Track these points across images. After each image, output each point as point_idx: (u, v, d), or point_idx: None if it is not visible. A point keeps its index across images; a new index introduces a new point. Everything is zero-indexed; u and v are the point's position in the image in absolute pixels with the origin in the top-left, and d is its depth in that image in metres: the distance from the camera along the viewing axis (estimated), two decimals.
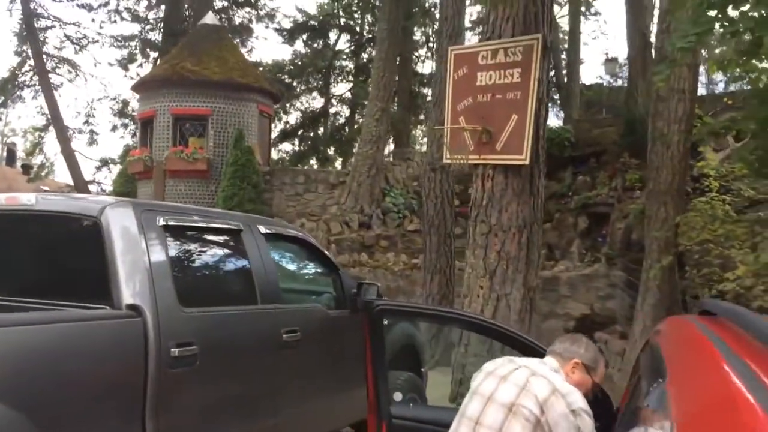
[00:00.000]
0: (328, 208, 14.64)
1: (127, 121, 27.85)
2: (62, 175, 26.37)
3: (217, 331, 3.58)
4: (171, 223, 3.55)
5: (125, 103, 27.49)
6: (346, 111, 27.36)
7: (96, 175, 25.56)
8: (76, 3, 24.91)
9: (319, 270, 4.88)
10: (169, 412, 3.20)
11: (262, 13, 26.10)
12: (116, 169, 26.60)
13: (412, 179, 15.76)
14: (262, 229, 4.23)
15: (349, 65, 26.86)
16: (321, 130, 27.54)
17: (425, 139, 19.48)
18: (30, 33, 23.11)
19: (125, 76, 27.49)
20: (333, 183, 15.05)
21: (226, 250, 4.06)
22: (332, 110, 27.31)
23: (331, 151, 27.06)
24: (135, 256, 3.29)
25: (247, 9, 26.33)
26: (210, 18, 15.80)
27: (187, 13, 25.33)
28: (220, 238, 3.99)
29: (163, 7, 26.75)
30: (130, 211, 3.42)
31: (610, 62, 17.58)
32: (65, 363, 2.86)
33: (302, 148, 26.97)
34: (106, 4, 26.30)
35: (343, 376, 4.57)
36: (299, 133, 27.02)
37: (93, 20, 26.54)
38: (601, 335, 8.58)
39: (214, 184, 14.46)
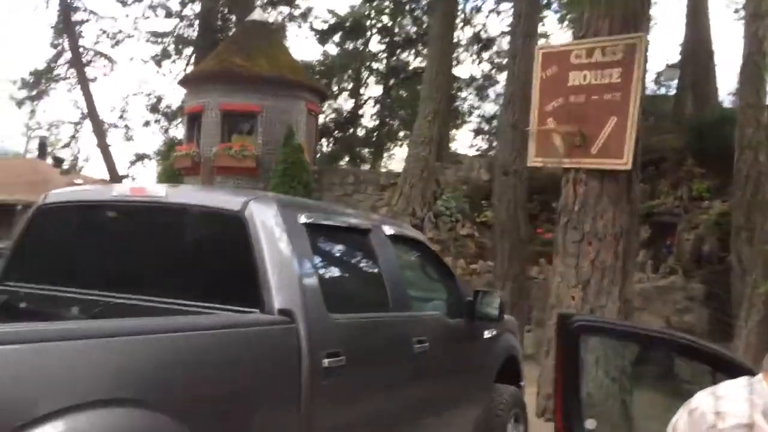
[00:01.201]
0: (378, 210, 14.35)
1: (159, 117, 27.75)
2: (93, 169, 26.27)
3: (360, 340, 3.28)
4: (311, 221, 3.26)
5: (159, 99, 27.41)
6: (371, 111, 27.12)
7: (130, 170, 25.48)
8: None
9: (435, 275, 4.56)
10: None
11: (296, 12, 25.90)
12: (150, 164, 26.58)
13: (462, 182, 15.45)
14: (387, 230, 3.93)
15: (379, 66, 26.55)
16: (351, 130, 27.31)
17: (460, 141, 19.07)
18: (67, 26, 23.10)
19: (158, 72, 27.41)
20: (383, 184, 14.76)
21: (360, 252, 3.76)
22: (363, 111, 27.11)
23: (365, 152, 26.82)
24: (283, 256, 2.99)
25: (283, 7, 26.14)
26: (258, 14, 15.60)
27: (224, 10, 25.21)
28: (354, 238, 3.69)
29: (197, 3, 26.67)
30: (274, 206, 3.13)
31: (671, 69, 17.14)
32: (223, 372, 2.58)
33: (336, 147, 26.73)
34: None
35: (462, 388, 4.29)
36: (334, 133, 26.78)
37: (127, 15, 26.30)
38: None
39: (262, 182, 14.20)
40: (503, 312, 4.41)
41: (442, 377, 4.03)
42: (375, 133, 26.78)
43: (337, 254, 3.60)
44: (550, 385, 6.35)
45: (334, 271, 3.49)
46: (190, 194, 3.68)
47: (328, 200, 14.71)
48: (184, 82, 15.75)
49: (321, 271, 3.19)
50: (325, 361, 2.92)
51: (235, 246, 3.04)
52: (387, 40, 24.76)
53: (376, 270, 3.68)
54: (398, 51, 24.87)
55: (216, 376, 2.54)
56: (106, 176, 25.18)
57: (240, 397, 2.64)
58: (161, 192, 3.41)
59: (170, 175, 15.30)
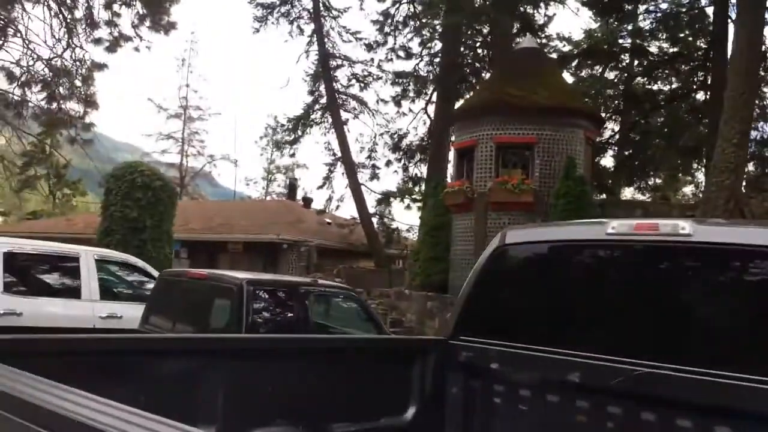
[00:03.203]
0: None
1: (400, 155, 28.13)
2: (343, 209, 27.19)
3: None
4: None
5: (401, 137, 27.87)
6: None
7: (377, 209, 26.01)
8: (362, 42, 25.84)
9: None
10: None
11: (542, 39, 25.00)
12: (396, 202, 26.93)
13: None
14: None
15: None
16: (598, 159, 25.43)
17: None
18: (325, 72, 24.34)
19: (398, 112, 27.90)
20: (676, 217, 13.07)
21: None
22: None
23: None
24: None
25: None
26: (528, 41, 14.86)
27: (471, 43, 25.04)
28: None
29: (437, 42, 26.88)
30: None
31: None
32: None
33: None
34: (385, 43, 27.00)
35: None
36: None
37: (372, 60, 27.28)
38: None
39: (539, 218, 13.25)
40: None
41: None
42: (626, 163, 24.76)
43: None
44: None
45: None
46: (724, 231, 2.82)
47: None
48: (455, 117, 15.42)
49: None
50: None
51: None
52: (641, 61, 22.80)
53: None
54: (655, 72, 22.78)
55: None
56: (355, 215, 25.96)
57: None
58: (687, 229, 2.72)
59: (439, 213, 14.97)
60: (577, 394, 2.97)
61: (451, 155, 16.52)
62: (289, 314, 5.69)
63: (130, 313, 8.25)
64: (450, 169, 24.72)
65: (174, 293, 6.35)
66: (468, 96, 24.27)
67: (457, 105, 26.87)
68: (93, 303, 8.06)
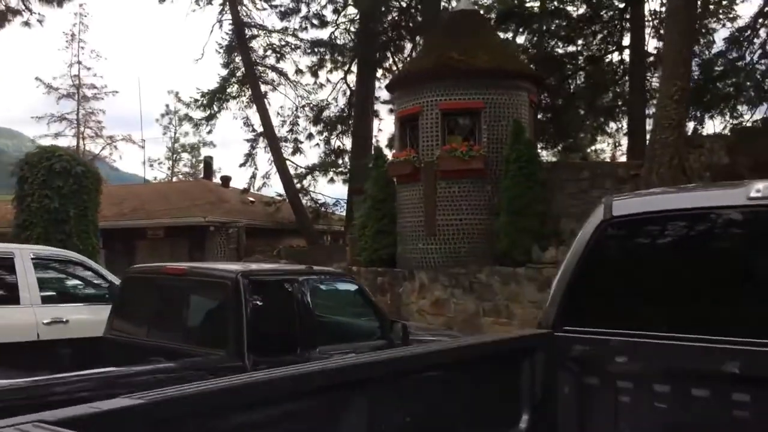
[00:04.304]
0: None
1: (321, 128, 27.29)
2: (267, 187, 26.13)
3: None
4: None
5: (321, 109, 27.02)
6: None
7: (302, 184, 25.11)
8: (277, 11, 24.69)
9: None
10: None
11: None
12: (320, 177, 26.10)
13: (705, 169, 13.56)
14: None
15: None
16: None
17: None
18: (240, 42, 23.06)
19: (315, 83, 26.99)
20: (622, 177, 13.14)
21: None
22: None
23: None
24: None
25: None
26: (465, 2, 14.39)
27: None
28: None
29: (350, 9, 26.04)
30: None
31: None
32: None
33: None
34: (298, 10, 25.95)
35: None
36: None
37: (286, 29, 26.06)
38: None
39: (489, 184, 13.00)
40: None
41: None
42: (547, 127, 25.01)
43: None
44: None
45: None
46: None
47: (560, 200, 13.29)
48: (394, 85, 14.83)
49: None
50: None
51: None
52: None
53: None
54: (572, 34, 22.92)
55: None
56: (277, 193, 25.04)
57: None
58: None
59: (382, 185, 14.43)
60: (733, 386, 2.56)
61: (393, 124, 15.98)
62: (291, 310, 5.02)
63: (78, 317, 7.35)
64: (376, 140, 24.15)
65: (146, 294, 5.53)
66: (402, 63, 23.71)
67: (380, 74, 26.36)
68: (34, 308, 7.10)
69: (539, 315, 3.10)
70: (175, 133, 47.37)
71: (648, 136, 14.55)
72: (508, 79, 13.34)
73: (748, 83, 21.48)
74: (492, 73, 13.11)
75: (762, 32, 21.80)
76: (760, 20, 21.70)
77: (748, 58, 22.03)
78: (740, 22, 21.40)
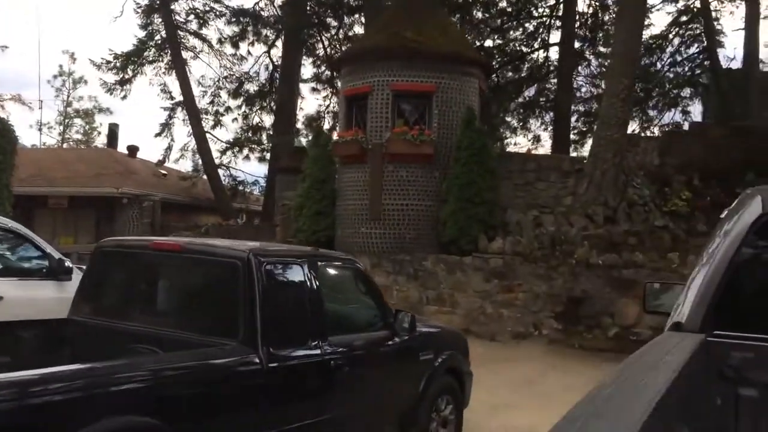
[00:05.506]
0: (562, 200, 12.88)
1: (240, 102, 26.15)
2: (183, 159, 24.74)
3: None
4: None
5: (241, 83, 25.87)
6: None
7: (221, 159, 23.95)
8: None
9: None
10: None
11: None
12: (242, 152, 24.97)
13: (639, 167, 13.97)
14: None
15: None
16: None
17: None
18: (163, 3, 21.58)
19: (235, 54, 25.79)
20: (566, 171, 13.26)
21: None
22: None
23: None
24: None
25: None
26: None
27: None
28: None
29: None
30: None
31: None
32: None
33: None
34: None
35: None
36: None
37: None
38: None
39: (438, 170, 12.73)
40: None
41: None
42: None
43: None
44: None
45: None
46: None
47: (506, 189, 13.24)
48: (344, 60, 14.20)
49: None
50: None
51: None
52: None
53: None
54: (504, 26, 23.05)
55: None
56: (190, 168, 23.81)
57: None
58: None
59: (323, 165, 13.83)
60: None
61: (339, 101, 15.35)
62: (302, 296, 4.47)
63: (13, 293, 6.45)
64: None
65: (125, 271, 4.77)
66: (328, 41, 23.01)
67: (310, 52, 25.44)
68: None
69: (674, 315, 2.77)
70: (68, 97, 44.19)
71: (589, 134, 14.85)
72: (462, 64, 13.10)
73: (657, 89, 22.52)
74: (447, 57, 12.82)
75: (676, 41, 22.85)
76: (674, 29, 22.73)
77: (659, 66, 23.09)
78: (654, 30, 22.30)
